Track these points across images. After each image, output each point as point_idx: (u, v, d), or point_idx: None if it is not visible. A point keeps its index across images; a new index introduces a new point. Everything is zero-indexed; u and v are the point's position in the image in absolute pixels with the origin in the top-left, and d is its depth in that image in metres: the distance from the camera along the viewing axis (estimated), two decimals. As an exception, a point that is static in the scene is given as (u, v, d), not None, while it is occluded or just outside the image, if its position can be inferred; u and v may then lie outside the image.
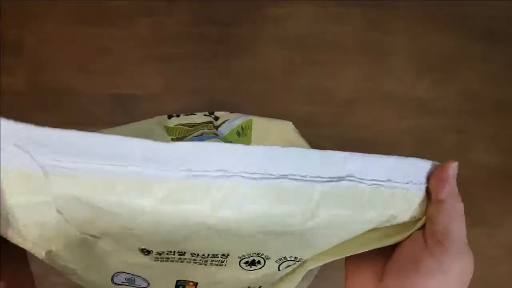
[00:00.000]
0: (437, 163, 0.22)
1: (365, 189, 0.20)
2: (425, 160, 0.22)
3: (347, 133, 0.47)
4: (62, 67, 0.46)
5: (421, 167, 0.22)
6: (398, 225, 0.22)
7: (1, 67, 0.45)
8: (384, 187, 0.21)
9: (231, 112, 0.45)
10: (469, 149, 0.48)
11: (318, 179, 0.19)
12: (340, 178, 0.20)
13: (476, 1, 0.52)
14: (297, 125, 0.44)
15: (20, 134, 0.17)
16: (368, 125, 0.47)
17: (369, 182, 0.20)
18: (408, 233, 0.23)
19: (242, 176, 0.18)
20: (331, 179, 0.20)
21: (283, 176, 0.19)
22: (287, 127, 0.43)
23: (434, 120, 0.49)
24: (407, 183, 0.21)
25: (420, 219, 0.22)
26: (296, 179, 0.19)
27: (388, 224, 0.22)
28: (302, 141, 0.42)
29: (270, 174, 0.19)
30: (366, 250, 0.23)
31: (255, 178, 0.19)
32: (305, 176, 0.19)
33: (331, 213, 0.20)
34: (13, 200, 0.18)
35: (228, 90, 0.46)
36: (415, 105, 0.49)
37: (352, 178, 0.20)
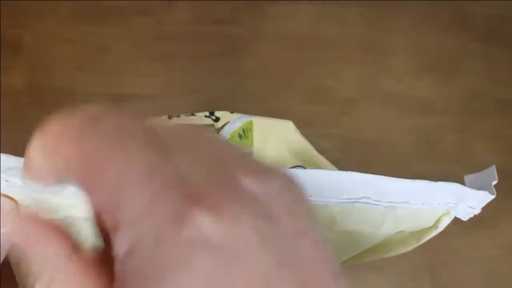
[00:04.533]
0: (462, 186, 0.21)
1: (380, 210, 0.20)
2: (452, 183, 0.21)
3: (347, 133, 0.47)
4: (62, 67, 0.45)
5: (443, 189, 0.21)
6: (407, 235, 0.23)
7: (0, 67, 0.45)
8: (399, 208, 0.20)
9: (231, 112, 0.44)
10: (470, 149, 0.48)
11: (334, 200, 0.19)
12: (356, 200, 0.20)
13: (476, 1, 0.52)
14: (297, 125, 0.44)
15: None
16: (368, 125, 0.47)
17: (385, 204, 0.20)
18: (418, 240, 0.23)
19: None
20: (347, 201, 0.20)
21: None
22: (287, 127, 0.43)
23: (434, 120, 0.48)
24: (423, 204, 0.21)
25: (432, 226, 0.22)
26: (312, 200, 0.19)
27: (398, 236, 0.22)
28: (304, 140, 0.42)
29: None
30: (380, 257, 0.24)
31: None
32: (322, 197, 0.19)
33: (344, 229, 0.20)
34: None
35: (228, 90, 0.46)
36: (416, 104, 0.49)
37: (367, 200, 0.20)
